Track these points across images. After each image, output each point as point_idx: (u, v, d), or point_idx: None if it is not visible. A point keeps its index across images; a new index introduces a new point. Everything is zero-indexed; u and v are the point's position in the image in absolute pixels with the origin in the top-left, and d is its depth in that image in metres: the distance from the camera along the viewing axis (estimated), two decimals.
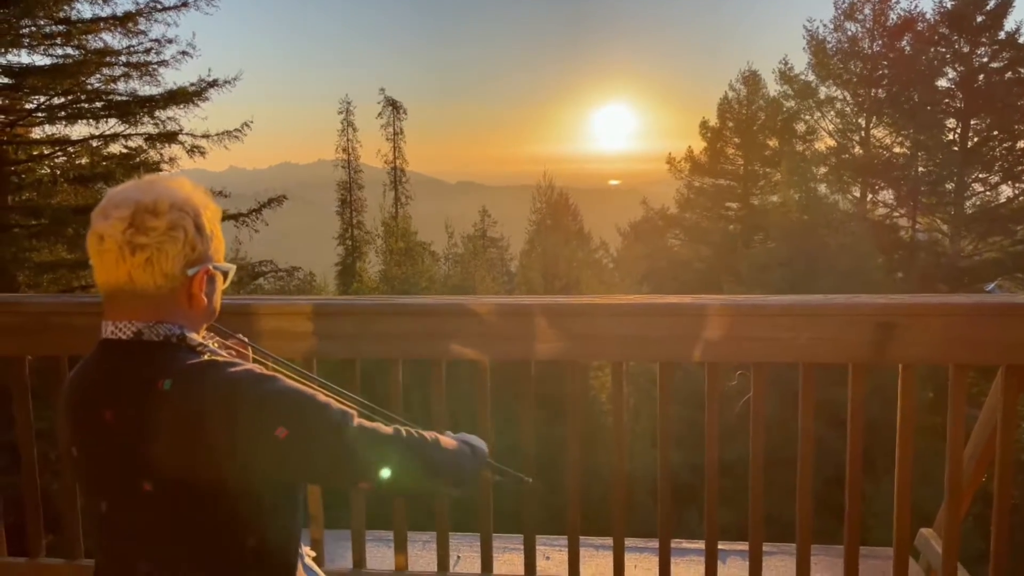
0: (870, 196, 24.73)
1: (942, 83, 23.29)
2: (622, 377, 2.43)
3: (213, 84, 14.11)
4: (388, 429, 1.38)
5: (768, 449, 2.39)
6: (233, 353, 1.56)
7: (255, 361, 1.62)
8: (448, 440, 1.49)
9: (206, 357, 1.31)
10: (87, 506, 1.36)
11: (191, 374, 1.27)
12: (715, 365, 2.34)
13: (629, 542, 2.76)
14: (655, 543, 2.62)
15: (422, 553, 2.96)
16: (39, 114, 13.54)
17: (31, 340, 2.49)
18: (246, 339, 1.65)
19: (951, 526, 2.36)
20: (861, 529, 2.41)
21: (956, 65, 23.03)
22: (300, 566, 1.47)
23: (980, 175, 23.33)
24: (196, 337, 1.36)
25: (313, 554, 1.67)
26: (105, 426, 1.28)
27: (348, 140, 34.00)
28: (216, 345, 1.49)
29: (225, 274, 1.45)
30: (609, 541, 2.60)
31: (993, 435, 2.35)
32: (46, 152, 13.95)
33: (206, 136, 14.39)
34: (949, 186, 23.30)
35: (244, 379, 1.27)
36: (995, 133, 22.92)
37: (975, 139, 23.08)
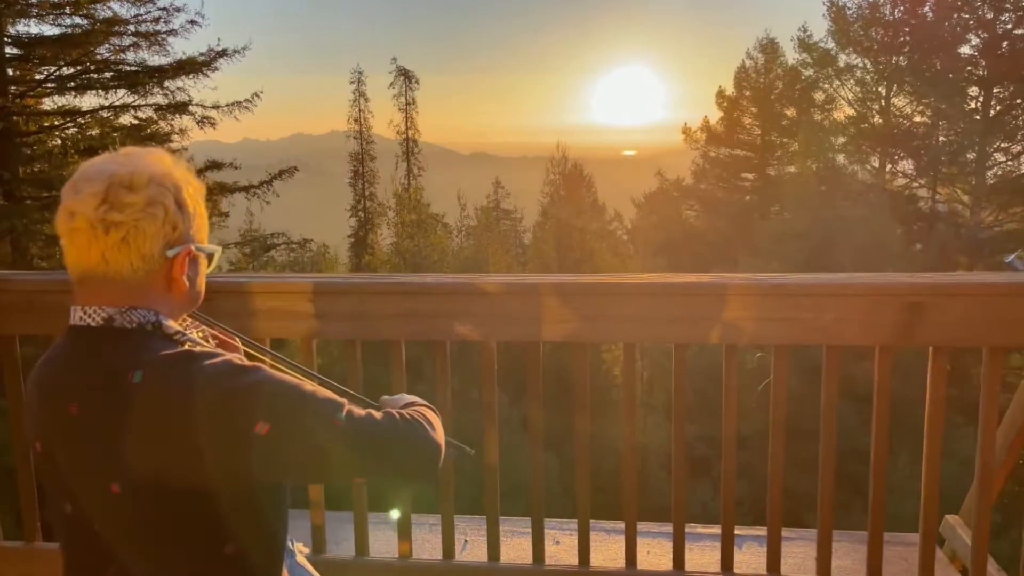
0: (889, 166, 24.31)
1: (965, 50, 22.75)
2: (635, 359, 2.32)
3: (223, 54, 14.02)
4: (379, 415, 1.25)
5: (792, 434, 2.28)
6: (216, 343, 1.44)
7: (248, 356, 1.50)
8: (429, 411, 1.36)
9: (183, 347, 1.20)
10: (52, 506, 1.25)
11: (164, 365, 1.15)
12: (733, 347, 2.22)
13: (642, 526, 2.67)
14: (669, 527, 2.53)
15: (428, 536, 2.88)
16: (48, 84, 13.51)
17: (20, 319, 2.40)
18: (230, 329, 1.52)
19: (982, 513, 2.25)
20: (885, 516, 2.31)
21: (979, 32, 22.46)
22: (287, 566, 1.38)
23: (1002, 144, 22.84)
24: (173, 325, 1.24)
25: (306, 550, 1.58)
26: (70, 421, 1.17)
27: (360, 111, 33.77)
28: (199, 335, 1.38)
29: (210, 257, 1.33)
30: (621, 525, 2.51)
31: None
32: (56, 123, 13.91)
33: (216, 107, 14.33)
34: (970, 156, 22.85)
35: (221, 370, 1.16)
36: (1018, 101, 22.38)
37: (997, 108, 22.58)
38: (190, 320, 1.40)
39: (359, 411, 1.23)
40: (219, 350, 1.24)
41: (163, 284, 1.23)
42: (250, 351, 1.51)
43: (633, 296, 2.23)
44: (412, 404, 1.39)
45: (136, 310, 1.20)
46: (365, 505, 2.54)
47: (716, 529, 2.51)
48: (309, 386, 1.21)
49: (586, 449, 2.41)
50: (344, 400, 1.23)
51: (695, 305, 2.19)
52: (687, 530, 2.46)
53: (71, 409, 1.17)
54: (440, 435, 1.31)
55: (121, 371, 1.15)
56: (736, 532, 2.42)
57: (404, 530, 2.54)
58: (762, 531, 2.49)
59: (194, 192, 1.27)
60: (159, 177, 1.20)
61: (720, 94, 26.89)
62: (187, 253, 1.24)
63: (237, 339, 1.52)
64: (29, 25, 13.16)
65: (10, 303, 2.40)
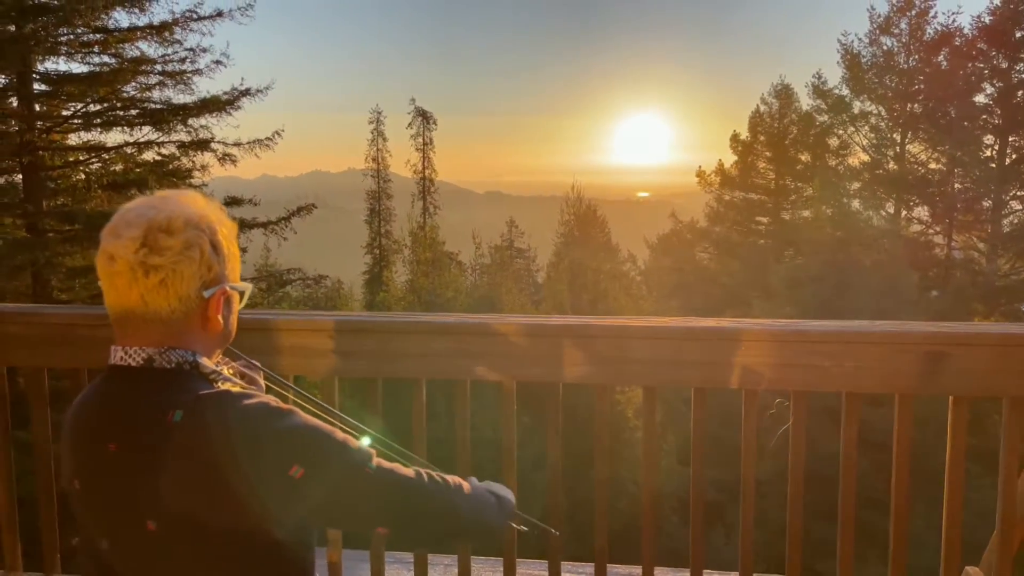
0: (904, 212, 24.31)
1: (980, 99, 22.90)
2: (655, 402, 2.33)
3: (246, 93, 14.24)
4: (409, 471, 1.29)
5: (812, 480, 2.28)
6: (247, 380, 1.48)
7: (269, 389, 1.54)
8: (472, 486, 1.41)
9: (219, 386, 1.24)
10: (85, 543, 1.28)
11: (203, 405, 1.19)
12: (753, 392, 2.23)
13: (659, 572, 2.66)
14: (686, 573, 2.51)
15: None
16: (75, 121, 13.77)
17: (50, 352, 2.45)
18: (259, 364, 1.56)
19: (1003, 566, 2.23)
20: (906, 569, 2.29)
21: (994, 81, 22.62)
22: None
23: (1018, 193, 22.85)
24: (209, 363, 1.28)
25: None
26: (109, 459, 1.20)
27: (378, 150, 34.23)
28: (231, 372, 1.42)
29: (241, 294, 1.37)
30: (638, 570, 2.50)
31: None
32: (81, 158, 14.15)
33: (238, 144, 14.52)
34: (986, 203, 22.86)
35: (259, 413, 1.19)
36: None
37: (1013, 156, 22.62)
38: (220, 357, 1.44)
39: (387, 464, 1.28)
40: (254, 390, 1.28)
41: (199, 323, 1.27)
42: (272, 385, 1.55)
43: (653, 339, 2.25)
44: (488, 488, 1.46)
45: (174, 350, 1.24)
46: (382, 544, 2.54)
47: (733, 575, 2.49)
48: (340, 434, 1.25)
49: (606, 490, 2.41)
50: (373, 450, 1.27)
51: (715, 350, 2.21)
52: (704, 575, 2.44)
53: (110, 447, 1.21)
54: (472, 502, 1.36)
55: (161, 411, 1.18)
56: None
57: (420, 569, 2.54)
58: None
59: (228, 233, 1.32)
60: (195, 220, 1.25)
61: (734, 138, 27.10)
62: (222, 293, 1.29)
63: (261, 372, 1.56)
64: (58, 63, 13.52)
65: (41, 336, 2.45)
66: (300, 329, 2.34)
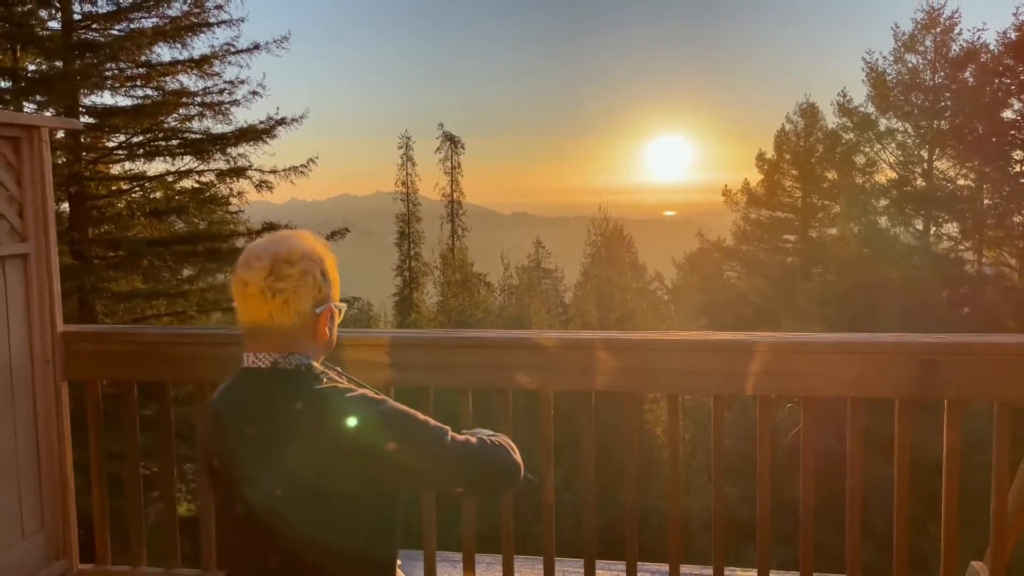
0: (934, 229, 24.20)
1: (1007, 114, 22.81)
2: (678, 409, 2.58)
3: (281, 122, 14.71)
4: (473, 439, 1.61)
5: (823, 481, 2.49)
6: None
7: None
8: (508, 441, 1.71)
9: (328, 383, 1.55)
10: (223, 510, 1.60)
11: (319, 397, 1.50)
12: (766, 398, 2.48)
13: (684, 568, 2.88)
14: (710, 570, 2.74)
15: (486, 574, 3.12)
16: (120, 152, 14.33)
17: (139, 367, 2.77)
18: (340, 370, 1.86)
19: (997, 564, 2.43)
20: (910, 563, 2.49)
21: (1022, 96, 22.56)
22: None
23: None
24: (318, 366, 1.60)
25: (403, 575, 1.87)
26: (247, 440, 1.52)
27: (407, 174, 34.82)
28: (334, 374, 1.73)
29: (340, 311, 1.69)
30: (666, 567, 2.73)
31: None
32: (124, 187, 14.70)
33: (274, 171, 14.96)
34: (1016, 219, 22.72)
35: (361, 401, 1.51)
36: None
37: None
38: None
39: (460, 436, 1.59)
40: (354, 385, 1.59)
41: (311, 334, 1.59)
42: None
43: (675, 351, 2.51)
44: (494, 435, 1.73)
45: (293, 355, 1.55)
46: (433, 545, 2.81)
47: (754, 572, 2.70)
48: (422, 416, 1.56)
49: (635, 489, 2.65)
50: (447, 427, 1.58)
51: (731, 360, 2.46)
52: (726, 573, 2.67)
53: (248, 431, 1.52)
54: (518, 457, 1.67)
55: (287, 402, 1.50)
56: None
57: (468, 568, 2.79)
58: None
59: (331, 263, 1.63)
60: (309, 253, 1.57)
61: (760, 157, 27.19)
62: (328, 310, 1.60)
63: (344, 378, 1.86)
64: (103, 96, 14.12)
65: (130, 352, 2.77)
66: (360, 344, 2.65)
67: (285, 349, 1.55)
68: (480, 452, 1.59)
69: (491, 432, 1.76)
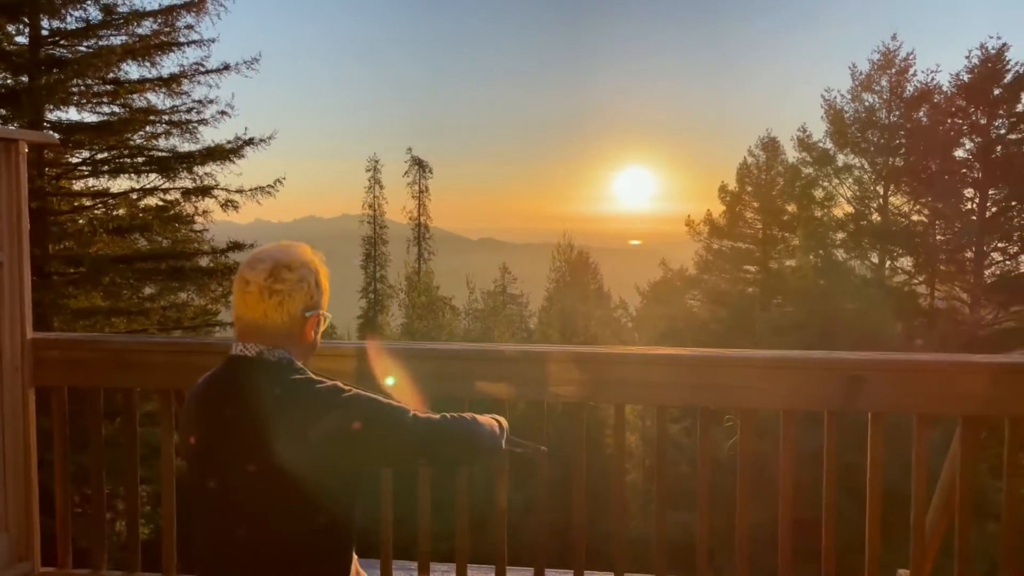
0: (888, 262, 24.84)
1: (960, 153, 23.57)
2: (624, 417, 2.73)
3: (249, 143, 14.74)
4: (436, 416, 1.77)
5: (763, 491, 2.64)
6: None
7: None
8: (482, 417, 1.87)
9: (304, 376, 1.71)
10: (195, 486, 1.73)
11: (295, 385, 1.68)
12: (706, 410, 2.64)
13: None
14: None
15: None
16: (84, 168, 14.24)
17: (107, 374, 2.85)
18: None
19: (917, 572, 2.60)
20: (838, 571, 2.64)
21: (973, 136, 23.34)
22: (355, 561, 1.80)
23: (999, 244, 23.44)
24: (299, 363, 1.75)
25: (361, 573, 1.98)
26: (224, 419, 1.68)
27: (375, 197, 34.89)
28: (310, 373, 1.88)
29: (326, 319, 1.85)
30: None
31: (955, 482, 2.60)
32: (86, 204, 14.59)
33: (240, 191, 14.96)
34: (968, 254, 23.42)
35: (331, 389, 1.69)
36: (1013, 204, 23.07)
37: (993, 209, 23.24)
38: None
39: (422, 413, 1.75)
40: (328, 376, 1.75)
41: (298, 335, 1.76)
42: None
43: (623, 364, 2.67)
44: (492, 416, 1.93)
45: (278, 349, 1.72)
46: (390, 555, 2.90)
47: None
48: (386, 400, 1.73)
49: (583, 498, 2.77)
50: (410, 407, 1.74)
51: (675, 373, 2.62)
52: None
53: (226, 411, 1.68)
54: (487, 430, 1.84)
55: (267, 386, 1.66)
56: None
57: (424, 574, 2.89)
58: None
59: (325, 275, 1.82)
60: (307, 263, 1.77)
61: (723, 189, 27.70)
62: (316, 316, 1.78)
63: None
64: (68, 112, 14.05)
65: (98, 360, 2.85)
66: (329, 354, 2.75)
67: (272, 344, 1.72)
68: (440, 425, 1.75)
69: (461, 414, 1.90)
